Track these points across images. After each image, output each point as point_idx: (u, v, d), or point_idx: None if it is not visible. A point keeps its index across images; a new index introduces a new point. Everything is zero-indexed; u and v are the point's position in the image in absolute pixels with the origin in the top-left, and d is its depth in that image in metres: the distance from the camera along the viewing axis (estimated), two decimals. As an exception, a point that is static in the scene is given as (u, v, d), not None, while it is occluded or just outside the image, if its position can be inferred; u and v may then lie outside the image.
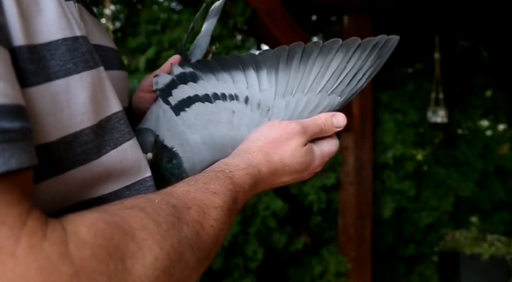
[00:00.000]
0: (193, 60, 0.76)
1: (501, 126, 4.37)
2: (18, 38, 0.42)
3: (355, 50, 0.67)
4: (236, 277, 2.64)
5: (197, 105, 0.68)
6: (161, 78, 0.71)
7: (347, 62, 0.68)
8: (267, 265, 2.80)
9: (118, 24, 2.60)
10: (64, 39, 0.47)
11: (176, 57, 0.74)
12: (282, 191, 2.79)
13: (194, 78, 0.69)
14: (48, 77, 0.45)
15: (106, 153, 0.51)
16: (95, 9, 0.69)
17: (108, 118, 0.52)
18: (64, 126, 0.46)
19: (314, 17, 3.59)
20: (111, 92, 0.52)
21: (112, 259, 0.39)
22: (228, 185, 0.56)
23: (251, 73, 0.68)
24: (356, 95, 0.70)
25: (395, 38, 0.69)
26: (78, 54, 0.48)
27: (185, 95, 0.69)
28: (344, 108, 0.70)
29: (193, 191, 0.52)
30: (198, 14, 0.82)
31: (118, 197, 0.52)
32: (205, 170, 0.60)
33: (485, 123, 4.33)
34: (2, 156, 0.35)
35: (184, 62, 0.75)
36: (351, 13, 3.10)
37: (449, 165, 3.83)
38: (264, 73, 0.68)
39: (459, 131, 4.12)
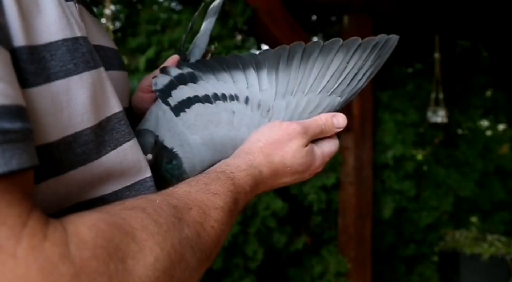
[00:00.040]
0: (192, 60, 0.76)
1: (501, 126, 4.37)
2: (18, 38, 0.42)
3: (355, 50, 0.67)
4: (236, 277, 2.64)
5: (197, 106, 0.68)
6: (160, 79, 0.71)
7: (348, 62, 0.67)
8: (267, 265, 2.80)
9: (118, 24, 2.60)
10: (65, 40, 0.47)
11: (174, 57, 0.74)
12: (282, 191, 2.79)
13: (193, 79, 0.69)
14: (48, 78, 0.45)
15: (106, 153, 0.51)
16: (95, 9, 0.69)
17: (108, 119, 0.51)
18: (64, 126, 0.46)
19: (314, 17, 3.59)
20: (112, 92, 0.52)
21: (112, 259, 0.39)
22: (229, 186, 0.56)
23: (251, 73, 0.68)
24: (356, 96, 0.70)
25: (395, 38, 0.69)
26: (79, 55, 0.48)
27: (184, 96, 0.68)
28: (344, 108, 0.70)
29: (194, 192, 0.52)
30: (196, 13, 0.81)
31: (118, 197, 0.52)
32: (206, 171, 0.60)
33: (485, 123, 4.33)
34: (2, 157, 0.35)
35: (183, 62, 0.74)
36: (351, 13, 3.10)
37: (449, 165, 3.83)
38: (264, 73, 0.68)
39: (459, 131, 4.12)
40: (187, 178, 0.59)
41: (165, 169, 0.65)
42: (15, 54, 0.42)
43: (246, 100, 0.67)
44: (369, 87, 3.09)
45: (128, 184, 0.54)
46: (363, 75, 0.69)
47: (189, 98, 0.68)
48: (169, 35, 2.48)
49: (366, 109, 3.20)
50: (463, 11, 3.41)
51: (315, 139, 0.68)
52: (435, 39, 3.64)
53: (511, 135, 4.31)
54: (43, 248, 0.36)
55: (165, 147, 0.66)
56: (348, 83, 0.68)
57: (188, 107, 0.68)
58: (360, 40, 0.67)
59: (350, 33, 2.90)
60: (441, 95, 3.62)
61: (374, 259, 3.30)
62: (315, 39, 1.22)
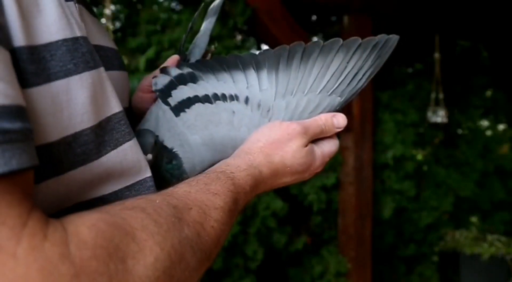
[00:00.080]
0: (192, 60, 0.76)
1: (501, 126, 4.37)
2: (18, 38, 0.42)
3: (355, 50, 0.67)
4: (236, 277, 2.64)
5: (197, 106, 0.68)
6: (160, 79, 0.71)
7: (348, 62, 0.67)
8: (267, 265, 2.80)
9: (118, 24, 2.60)
10: (65, 40, 0.47)
11: (174, 57, 0.74)
12: (282, 191, 2.79)
13: (193, 79, 0.69)
14: (48, 78, 0.45)
15: (106, 153, 0.51)
16: (95, 9, 0.69)
17: (108, 119, 0.52)
18: (64, 127, 0.46)
19: (314, 17, 3.59)
20: (112, 92, 0.52)
21: (112, 259, 0.39)
22: (229, 186, 0.56)
23: (252, 73, 0.68)
24: (356, 96, 0.70)
25: (394, 38, 0.69)
26: (79, 55, 0.48)
27: (184, 96, 0.68)
28: (344, 108, 0.70)
29: (194, 192, 0.52)
30: (196, 13, 0.81)
31: (118, 197, 0.52)
32: (206, 171, 0.60)
33: (485, 123, 4.33)
34: (2, 157, 0.35)
35: (183, 62, 0.74)
36: (351, 13, 3.10)
37: (449, 165, 3.83)
38: (264, 73, 0.68)
39: (459, 131, 4.12)
40: (187, 178, 0.59)
41: (165, 169, 0.65)
42: (15, 54, 0.42)
43: (246, 100, 0.67)
44: (369, 87, 3.09)
45: (128, 184, 0.54)
46: (363, 75, 0.69)
47: (189, 98, 0.68)
48: (169, 35, 2.48)
49: (366, 109, 3.20)
50: (463, 11, 3.41)
51: (315, 139, 0.68)
52: (435, 39, 3.64)
53: (511, 135, 4.31)
54: (43, 248, 0.36)
55: (165, 147, 0.66)
56: (348, 83, 0.68)
57: (188, 107, 0.68)
58: (360, 40, 0.67)
59: (350, 33, 2.90)
60: (441, 95, 3.62)
61: (374, 259, 3.30)
62: (315, 39, 1.22)
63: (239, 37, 2.77)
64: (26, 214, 0.37)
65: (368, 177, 3.22)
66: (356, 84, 0.69)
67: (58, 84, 0.45)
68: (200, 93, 0.68)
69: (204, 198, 0.52)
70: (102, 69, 0.51)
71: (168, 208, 0.47)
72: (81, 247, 0.38)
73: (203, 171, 0.61)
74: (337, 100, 0.68)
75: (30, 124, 0.39)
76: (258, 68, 0.68)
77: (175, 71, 0.70)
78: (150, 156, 0.59)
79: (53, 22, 0.46)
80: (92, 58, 0.50)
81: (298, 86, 0.67)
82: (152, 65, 2.39)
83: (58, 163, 0.45)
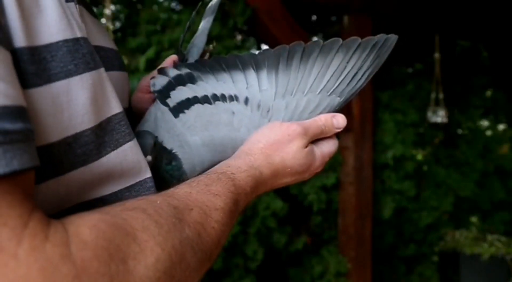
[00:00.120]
0: (191, 59, 0.75)
1: (501, 126, 4.37)
2: (19, 39, 0.42)
3: (355, 50, 0.67)
4: (236, 277, 2.64)
5: (197, 107, 0.67)
6: (158, 80, 0.70)
7: (347, 62, 0.67)
8: (267, 265, 2.80)
9: (118, 24, 2.60)
10: (65, 41, 0.47)
11: (172, 57, 0.74)
12: (282, 191, 2.79)
13: (192, 80, 0.69)
14: (49, 79, 0.45)
15: (106, 154, 0.51)
16: (95, 9, 0.69)
17: (109, 120, 0.52)
18: (65, 127, 0.46)
19: (314, 17, 3.59)
20: (112, 93, 0.53)
21: (113, 260, 0.39)
22: (229, 187, 0.56)
23: (251, 73, 0.68)
24: (355, 96, 0.70)
25: (393, 37, 0.69)
26: (79, 56, 0.48)
27: (183, 97, 0.68)
28: (344, 108, 0.70)
29: (194, 193, 0.52)
30: (194, 13, 0.81)
31: (118, 198, 0.52)
32: (206, 172, 0.60)
33: (485, 123, 4.33)
34: (3, 157, 0.36)
35: (181, 62, 0.74)
36: (351, 13, 3.10)
37: (449, 165, 3.83)
38: (264, 73, 0.68)
39: (459, 131, 4.12)
40: (187, 179, 0.59)
41: (165, 170, 0.65)
42: (16, 55, 0.42)
43: (246, 100, 0.67)
44: (369, 87, 3.10)
45: (128, 184, 0.54)
46: (363, 75, 0.69)
47: (188, 99, 0.68)
48: (169, 35, 2.48)
49: (366, 109, 3.20)
50: (463, 11, 3.41)
51: (315, 140, 0.68)
52: (435, 39, 3.64)
53: (511, 135, 4.31)
54: (44, 248, 0.36)
55: (165, 148, 0.66)
56: (348, 83, 0.68)
57: (188, 108, 0.68)
58: (359, 40, 0.67)
59: (350, 33, 2.90)
60: (441, 95, 3.62)
61: (374, 259, 3.30)
62: (315, 39, 1.22)
63: (239, 37, 2.77)
64: (27, 214, 0.37)
65: (368, 177, 3.22)
66: (356, 84, 0.69)
67: (59, 85, 0.45)
68: (199, 94, 0.68)
69: (205, 198, 0.52)
70: (102, 70, 0.51)
71: (169, 208, 0.47)
72: (82, 247, 0.38)
73: (203, 171, 0.61)
74: (337, 100, 0.68)
75: (31, 124, 0.39)
76: (257, 68, 0.68)
77: (173, 72, 0.70)
78: (149, 158, 0.59)
79: (53, 23, 0.46)
80: (92, 59, 0.50)
81: (298, 86, 0.67)
82: (152, 65, 2.38)
83: (59, 164, 0.45)
